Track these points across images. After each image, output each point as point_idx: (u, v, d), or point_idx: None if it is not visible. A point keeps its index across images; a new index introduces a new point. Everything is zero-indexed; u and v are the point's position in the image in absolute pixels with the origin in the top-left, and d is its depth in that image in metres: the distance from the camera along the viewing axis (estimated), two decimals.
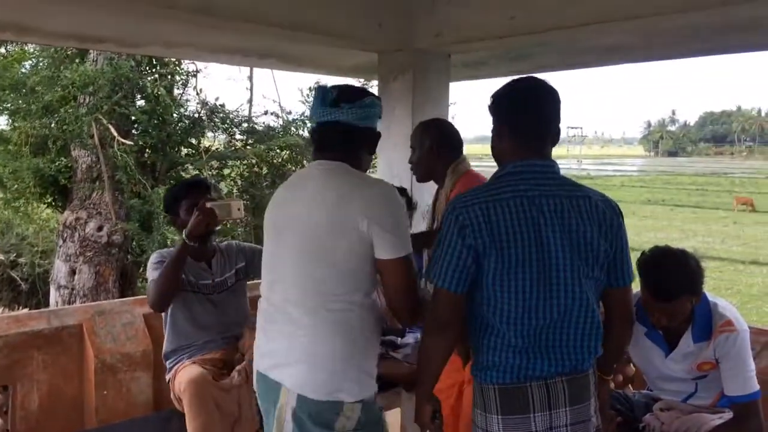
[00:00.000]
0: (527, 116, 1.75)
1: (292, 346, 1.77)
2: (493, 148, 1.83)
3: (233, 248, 2.85)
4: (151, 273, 2.59)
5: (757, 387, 2.20)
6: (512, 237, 1.66)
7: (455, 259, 1.68)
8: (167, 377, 2.70)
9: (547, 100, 1.76)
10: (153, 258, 2.66)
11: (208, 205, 2.49)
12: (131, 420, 2.83)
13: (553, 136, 1.78)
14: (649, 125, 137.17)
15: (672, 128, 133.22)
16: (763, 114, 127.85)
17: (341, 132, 1.81)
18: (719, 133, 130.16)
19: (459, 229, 1.67)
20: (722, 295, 11.75)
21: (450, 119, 3.99)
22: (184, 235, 2.48)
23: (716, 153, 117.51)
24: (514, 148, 1.76)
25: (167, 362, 2.71)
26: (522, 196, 1.69)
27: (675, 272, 2.14)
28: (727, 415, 2.28)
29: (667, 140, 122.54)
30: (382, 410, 1.90)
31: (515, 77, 1.83)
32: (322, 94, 1.83)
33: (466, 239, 1.66)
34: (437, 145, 2.54)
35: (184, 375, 2.52)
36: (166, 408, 2.72)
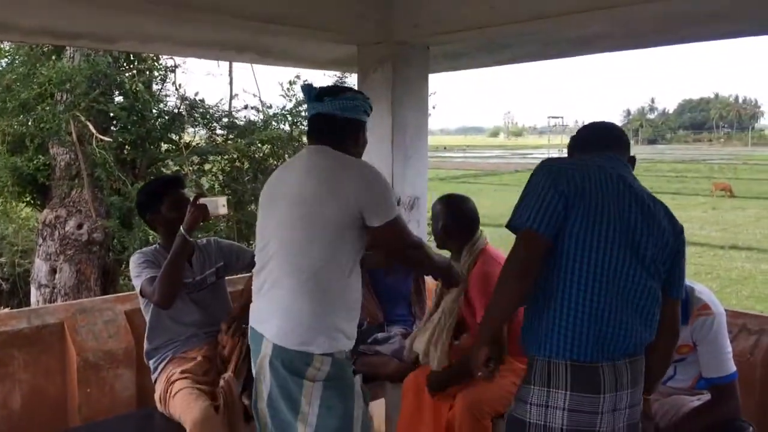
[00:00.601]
0: (600, 133, 2.01)
1: (272, 302, 2.00)
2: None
3: (212, 246, 2.84)
4: (142, 272, 2.58)
5: (734, 369, 2.24)
6: (599, 195, 1.76)
7: (546, 203, 1.76)
8: (153, 377, 2.68)
9: (615, 129, 2.04)
10: (136, 259, 2.63)
11: (200, 201, 2.53)
12: (115, 417, 2.81)
13: (629, 157, 1.98)
14: (629, 113, 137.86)
15: (651, 116, 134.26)
16: (740, 101, 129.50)
17: (325, 122, 2.07)
18: (698, 120, 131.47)
19: (553, 177, 1.78)
20: (702, 279, 11.92)
21: (431, 110, 3.98)
22: (183, 230, 2.50)
23: (695, 140, 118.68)
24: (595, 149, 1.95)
25: (150, 361, 2.69)
26: (611, 171, 1.83)
27: None
28: (705, 397, 2.31)
29: (646, 128, 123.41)
30: (356, 374, 2.04)
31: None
32: (308, 91, 2.09)
33: (558, 186, 1.76)
34: (450, 226, 2.71)
35: (185, 410, 2.41)
36: (150, 404, 2.71)
